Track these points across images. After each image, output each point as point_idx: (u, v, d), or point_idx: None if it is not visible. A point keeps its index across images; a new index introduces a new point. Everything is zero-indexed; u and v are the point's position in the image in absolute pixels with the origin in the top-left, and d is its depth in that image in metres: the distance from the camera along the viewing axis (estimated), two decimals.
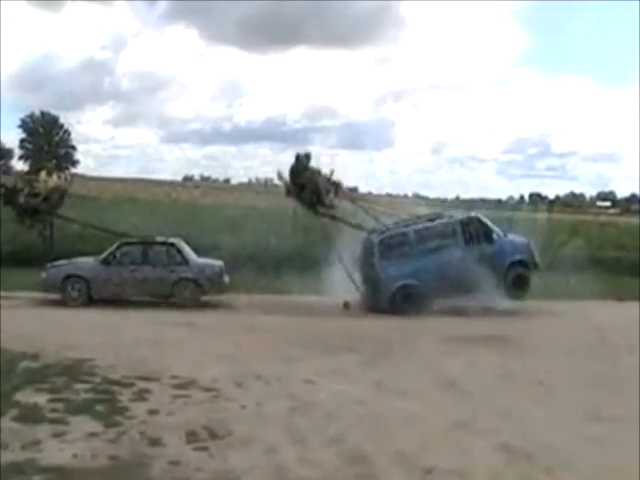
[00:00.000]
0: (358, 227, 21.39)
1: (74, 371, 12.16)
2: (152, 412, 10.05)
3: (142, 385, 11.38)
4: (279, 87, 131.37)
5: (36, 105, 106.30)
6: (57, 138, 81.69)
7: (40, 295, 20.82)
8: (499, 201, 71.99)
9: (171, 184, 77.39)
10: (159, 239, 21.56)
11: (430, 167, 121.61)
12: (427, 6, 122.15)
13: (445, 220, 20.82)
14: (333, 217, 21.34)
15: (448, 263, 19.89)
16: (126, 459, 8.22)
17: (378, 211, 22.03)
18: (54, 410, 9.92)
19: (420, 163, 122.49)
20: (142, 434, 9.07)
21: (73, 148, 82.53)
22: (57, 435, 8.91)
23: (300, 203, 21.65)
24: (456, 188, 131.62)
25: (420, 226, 20.81)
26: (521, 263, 20.24)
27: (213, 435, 9.10)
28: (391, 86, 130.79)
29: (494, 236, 20.40)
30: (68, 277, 20.51)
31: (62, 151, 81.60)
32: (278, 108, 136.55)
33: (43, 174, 22.68)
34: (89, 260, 21.14)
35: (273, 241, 25.93)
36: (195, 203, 46.69)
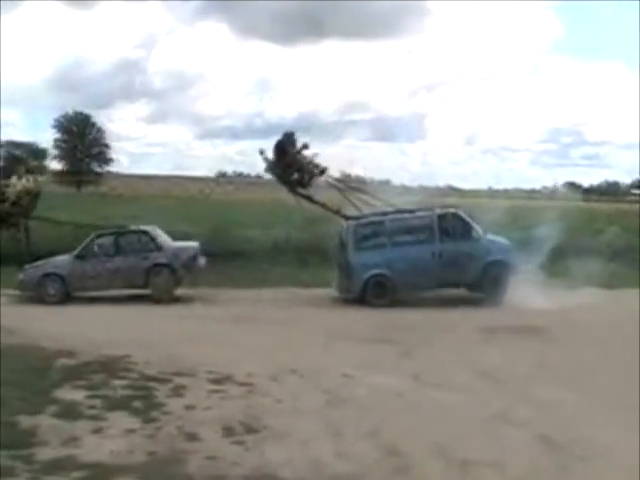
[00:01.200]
0: (337, 213, 21.12)
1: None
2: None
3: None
4: (310, 81, 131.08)
5: (69, 105, 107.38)
6: (91, 137, 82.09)
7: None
8: (533, 191, 71.25)
9: (205, 180, 77.72)
10: (132, 228, 21.69)
11: (463, 158, 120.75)
12: None
13: (423, 213, 20.44)
14: (311, 199, 21.07)
15: (422, 256, 19.74)
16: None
17: (363, 201, 21.70)
18: (92, 407, 10.03)
19: (453, 154, 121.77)
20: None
21: (107, 146, 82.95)
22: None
23: (280, 181, 21.37)
24: (489, 179, 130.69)
25: (397, 216, 20.55)
26: (500, 263, 19.81)
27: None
28: (422, 77, 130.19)
29: (473, 233, 20.07)
30: (45, 276, 20.61)
31: (96, 150, 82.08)
32: (309, 102, 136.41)
33: (14, 179, 22.76)
34: (65, 257, 21.13)
35: (300, 235, 25.93)
36: (228, 199, 46.84)
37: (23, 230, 22.79)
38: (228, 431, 9.07)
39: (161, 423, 9.40)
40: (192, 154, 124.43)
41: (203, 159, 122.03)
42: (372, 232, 20.40)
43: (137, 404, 10.18)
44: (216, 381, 11.49)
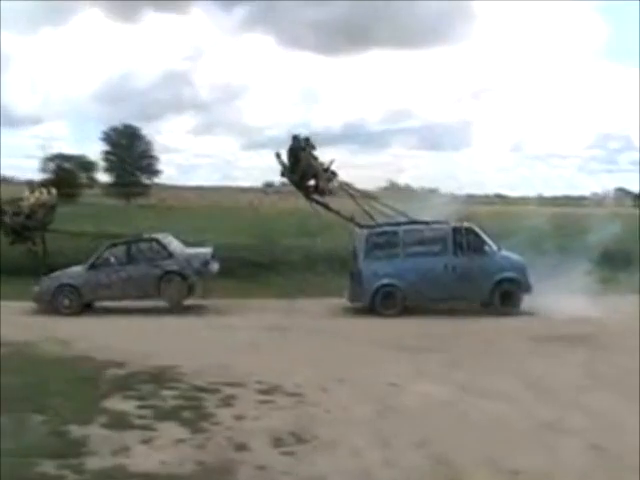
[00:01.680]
0: (351, 220, 20.95)
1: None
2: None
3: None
4: (356, 90, 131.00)
5: (118, 117, 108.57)
6: (139, 149, 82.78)
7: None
8: (582, 197, 70.37)
9: (252, 190, 78.00)
10: (144, 236, 21.74)
11: (510, 165, 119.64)
12: (500, 1, 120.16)
13: (438, 226, 20.20)
14: (327, 207, 20.89)
15: (434, 269, 19.58)
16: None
17: (377, 209, 21.54)
18: (141, 417, 10.06)
19: (500, 162, 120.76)
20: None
21: (155, 158, 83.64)
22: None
23: (296, 188, 21.24)
24: (538, 186, 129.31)
25: (411, 227, 20.33)
26: (512, 281, 19.60)
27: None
28: (468, 84, 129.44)
29: (486, 248, 19.86)
30: (59, 287, 20.69)
31: (144, 162, 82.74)
32: (356, 111, 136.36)
33: (27, 192, 23.06)
34: (79, 268, 21.19)
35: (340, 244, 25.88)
36: (275, 208, 46.91)
37: (40, 242, 22.96)
38: (278, 441, 9.02)
39: (210, 433, 9.38)
40: (239, 165, 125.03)
41: (250, 169, 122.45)
42: (385, 241, 20.20)
43: (187, 414, 10.19)
44: (265, 391, 11.46)
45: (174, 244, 21.49)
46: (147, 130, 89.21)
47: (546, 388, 11.67)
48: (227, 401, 10.93)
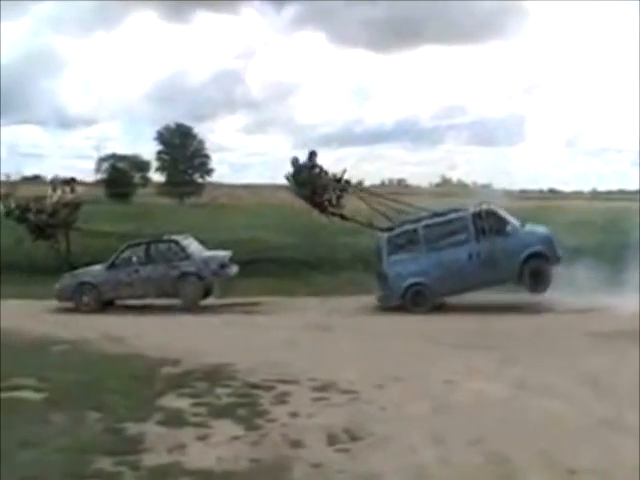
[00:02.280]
0: (370, 226, 20.95)
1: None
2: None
3: None
4: (408, 87, 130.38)
5: (170, 117, 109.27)
6: (192, 148, 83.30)
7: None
8: (638, 192, 69.35)
9: None
10: (163, 237, 22.02)
11: (564, 160, 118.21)
12: None
13: (456, 215, 20.09)
14: (343, 217, 20.96)
15: (459, 259, 19.43)
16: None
17: (394, 209, 21.37)
18: (196, 414, 10.11)
19: (554, 157, 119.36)
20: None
21: (208, 157, 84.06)
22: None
23: (310, 205, 21.24)
24: (592, 181, 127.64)
25: (430, 222, 20.16)
26: (539, 255, 19.33)
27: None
28: (520, 80, 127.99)
29: (508, 228, 19.59)
30: (80, 285, 21.11)
31: (197, 161, 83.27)
32: (408, 108, 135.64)
33: (49, 190, 23.36)
34: (99, 267, 21.60)
35: None
36: None
37: (63, 240, 23.27)
38: (332, 438, 9.00)
39: (265, 430, 9.39)
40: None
41: None
42: (406, 241, 20.15)
43: (241, 411, 10.21)
44: (319, 388, 11.44)
45: (193, 245, 21.83)
46: (199, 129, 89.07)
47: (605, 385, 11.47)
48: (281, 398, 10.93)
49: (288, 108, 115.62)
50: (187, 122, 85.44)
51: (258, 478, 7.87)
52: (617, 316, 17.04)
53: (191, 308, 20.61)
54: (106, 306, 21.16)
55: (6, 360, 12.62)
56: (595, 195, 54.30)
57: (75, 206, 23.66)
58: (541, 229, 20.08)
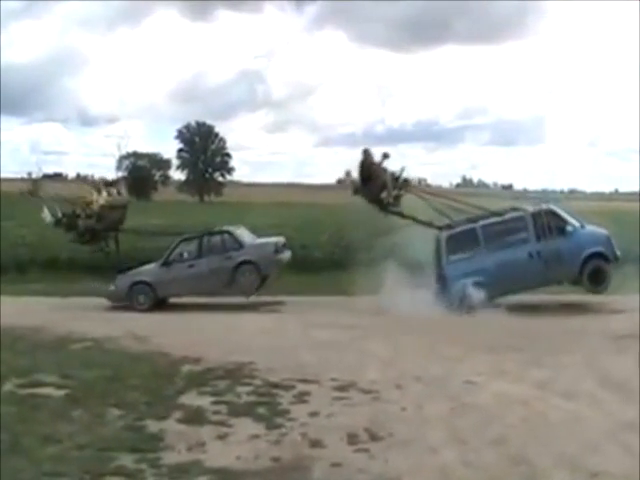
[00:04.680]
0: (428, 224, 20.63)
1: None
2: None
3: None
4: (429, 87, 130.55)
5: (191, 116, 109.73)
6: (213, 147, 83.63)
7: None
8: None
9: (325, 187, 78.05)
10: (215, 229, 21.96)
11: (586, 161, 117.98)
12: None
13: (515, 214, 19.98)
14: (402, 215, 20.71)
15: (519, 259, 19.21)
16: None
17: (452, 207, 21.21)
18: (217, 412, 10.13)
19: (576, 157, 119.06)
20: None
21: (228, 156, 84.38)
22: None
23: (367, 200, 20.85)
24: (615, 181, 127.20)
25: (489, 221, 20.01)
26: (599, 255, 19.15)
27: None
28: (541, 80, 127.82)
29: (569, 228, 19.41)
30: (134, 284, 21.06)
31: (218, 159, 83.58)
32: (429, 108, 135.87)
33: (94, 195, 22.99)
34: (152, 265, 21.58)
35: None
36: (347, 205, 46.91)
37: (113, 242, 23.20)
38: (353, 438, 8.99)
39: (285, 429, 9.40)
40: (312, 162, 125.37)
41: (323, 166, 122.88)
42: (465, 241, 19.91)
43: (261, 410, 10.21)
44: (340, 388, 11.41)
45: (245, 235, 21.77)
46: (220, 128, 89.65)
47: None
48: (301, 397, 10.92)
49: (309, 107, 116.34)
50: (208, 121, 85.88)
51: (278, 477, 7.87)
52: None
53: (248, 294, 20.84)
54: (161, 304, 21.16)
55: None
56: (617, 196, 53.99)
57: (122, 208, 23.54)
58: (601, 230, 20.04)
